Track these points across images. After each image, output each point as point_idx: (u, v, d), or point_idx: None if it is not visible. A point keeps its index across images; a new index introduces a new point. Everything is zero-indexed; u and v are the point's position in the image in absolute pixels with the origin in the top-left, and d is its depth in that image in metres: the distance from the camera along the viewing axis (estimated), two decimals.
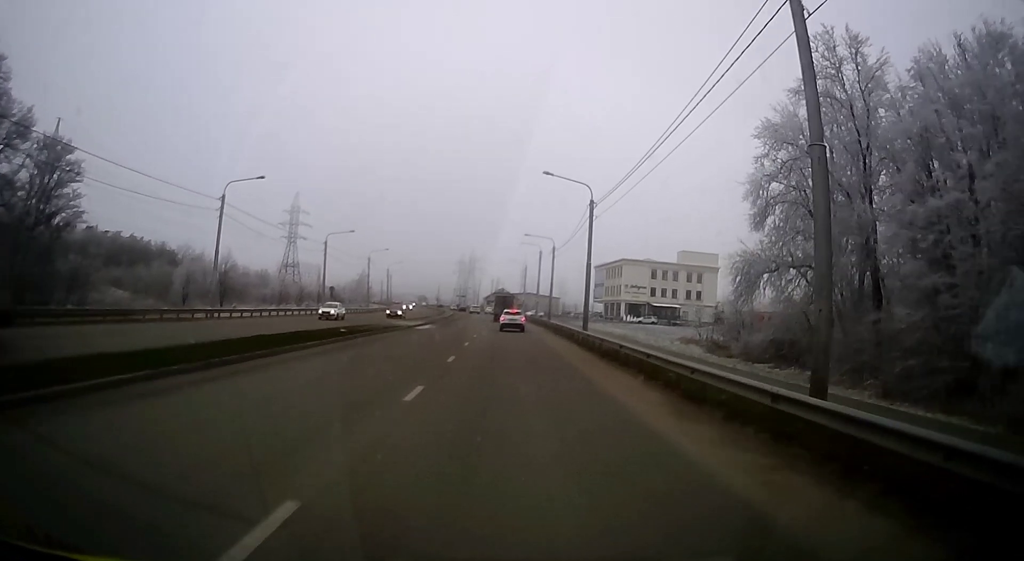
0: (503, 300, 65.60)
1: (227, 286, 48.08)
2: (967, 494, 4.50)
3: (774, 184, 28.27)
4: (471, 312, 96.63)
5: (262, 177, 38.27)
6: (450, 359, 17.42)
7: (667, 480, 5.80)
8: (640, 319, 79.54)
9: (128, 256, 48.75)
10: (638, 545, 4.07)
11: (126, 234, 51.08)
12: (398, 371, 14.02)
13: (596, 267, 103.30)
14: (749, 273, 26.50)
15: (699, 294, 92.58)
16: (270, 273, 67.30)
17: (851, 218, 23.53)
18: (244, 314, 38.63)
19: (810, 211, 28.12)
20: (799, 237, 27.91)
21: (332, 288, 65.63)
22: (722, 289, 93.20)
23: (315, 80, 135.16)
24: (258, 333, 17.46)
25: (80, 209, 35.27)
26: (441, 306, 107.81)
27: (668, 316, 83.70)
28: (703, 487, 5.67)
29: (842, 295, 25.33)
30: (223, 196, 35.11)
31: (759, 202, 27.99)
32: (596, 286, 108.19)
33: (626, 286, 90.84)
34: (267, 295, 59.56)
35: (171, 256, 46.82)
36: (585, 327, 29.61)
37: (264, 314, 43.51)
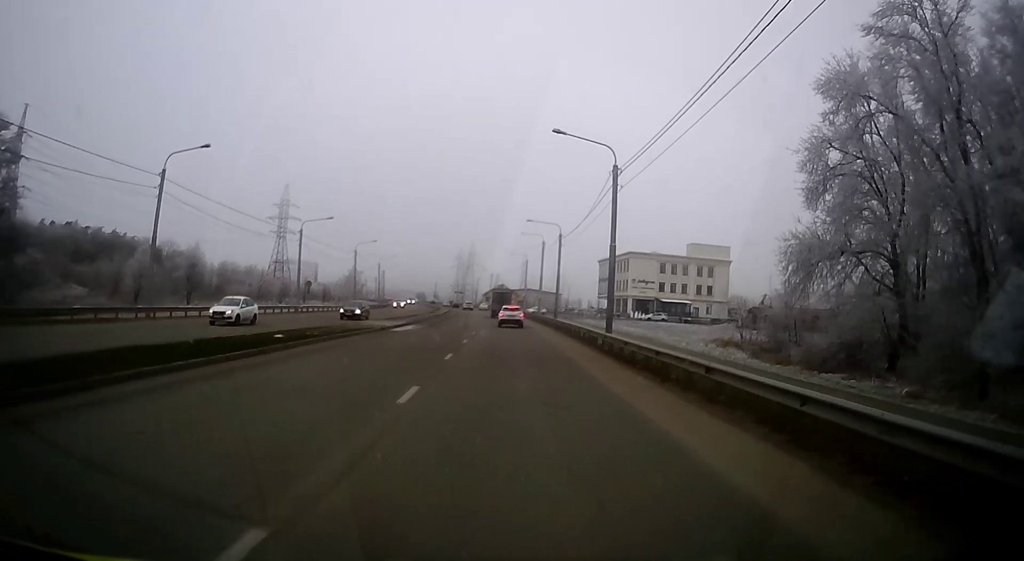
0: (500, 297, 63.79)
1: (197, 282, 43.06)
2: None
3: (833, 153, 23.36)
4: (464, 308, 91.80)
5: (206, 145, 33.20)
6: (402, 400, 9.24)
7: None
8: (649, 316, 74.45)
9: (93, 250, 44.16)
10: None
11: (107, 230, 46.76)
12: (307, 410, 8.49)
13: (600, 261, 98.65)
14: (807, 260, 21.47)
15: (710, 289, 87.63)
16: (259, 269, 62.68)
17: (942, 188, 18.53)
18: (202, 313, 33.48)
19: (875, 186, 23.51)
20: (861, 217, 23.11)
21: (309, 283, 60.81)
22: (735, 283, 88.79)
23: (314, 77, 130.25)
24: (161, 341, 12.59)
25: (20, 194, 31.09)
26: (434, 303, 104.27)
27: (678, 312, 78.78)
28: None
29: (927, 284, 20.42)
30: (163, 171, 29.98)
31: (816, 173, 23.02)
32: (600, 281, 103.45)
33: (633, 281, 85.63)
34: (249, 292, 54.60)
35: (131, 248, 41.63)
36: (609, 327, 22.73)
37: None
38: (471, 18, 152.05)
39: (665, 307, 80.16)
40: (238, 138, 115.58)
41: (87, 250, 43.83)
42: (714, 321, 73.90)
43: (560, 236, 46.49)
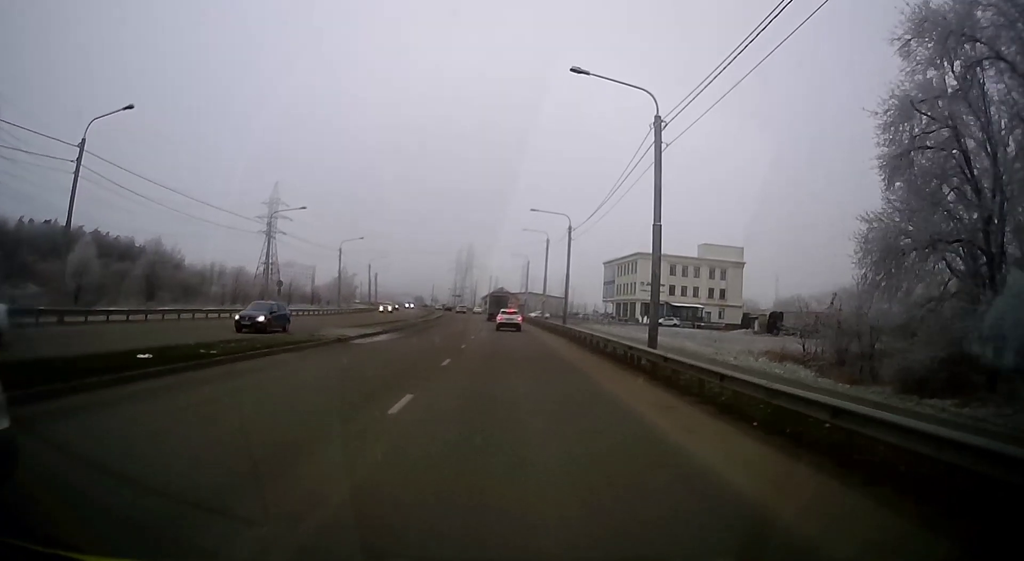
0: (498, 300, 63.46)
1: (159, 283, 38.37)
2: None
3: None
4: (458, 312, 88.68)
5: (130, 106, 27.56)
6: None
7: None
8: (660, 321, 69.58)
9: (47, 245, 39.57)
10: None
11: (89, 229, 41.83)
12: None
13: (606, 263, 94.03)
14: (894, 249, 16.75)
15: (723, 292, 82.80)
16: (248, 271, 57.93)
17: None
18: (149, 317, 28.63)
19: (967, 158, 18.86)
20: (947, 200, 18.44)
21: (280, 283, 56.00)
22: (749, 286, 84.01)
23: (313, 76, 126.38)
24: None
25: None
26: (427, 306, 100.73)
27: (689, 317, 73.89)
28: None
29: None
30: (82, 140, 25.09)
31: (897, 140, 18.33)
32: (605, 284, 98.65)
33: (641, 283, 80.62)
34: (223, 294, 50.05)
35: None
36: (653, 342, 16.73)
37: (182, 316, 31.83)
38: (470, 18, 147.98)
39: (675, 311, 75.15)
40: (230, 136, 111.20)
41: (43, 245, 39.17)
42: (728, 326, 69.19)
43: (569, 228, 40.94)
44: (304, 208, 59.51)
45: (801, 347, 19.02)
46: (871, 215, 17.55)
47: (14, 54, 61.90)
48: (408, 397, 9.00)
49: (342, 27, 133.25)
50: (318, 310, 56.21)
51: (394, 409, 8.24)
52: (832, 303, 18.96)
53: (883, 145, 19.13)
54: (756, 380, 9.16)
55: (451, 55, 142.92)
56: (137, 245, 41.35)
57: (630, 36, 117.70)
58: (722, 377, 10.09)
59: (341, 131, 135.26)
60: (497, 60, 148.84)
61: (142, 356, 10.57)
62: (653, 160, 14.42)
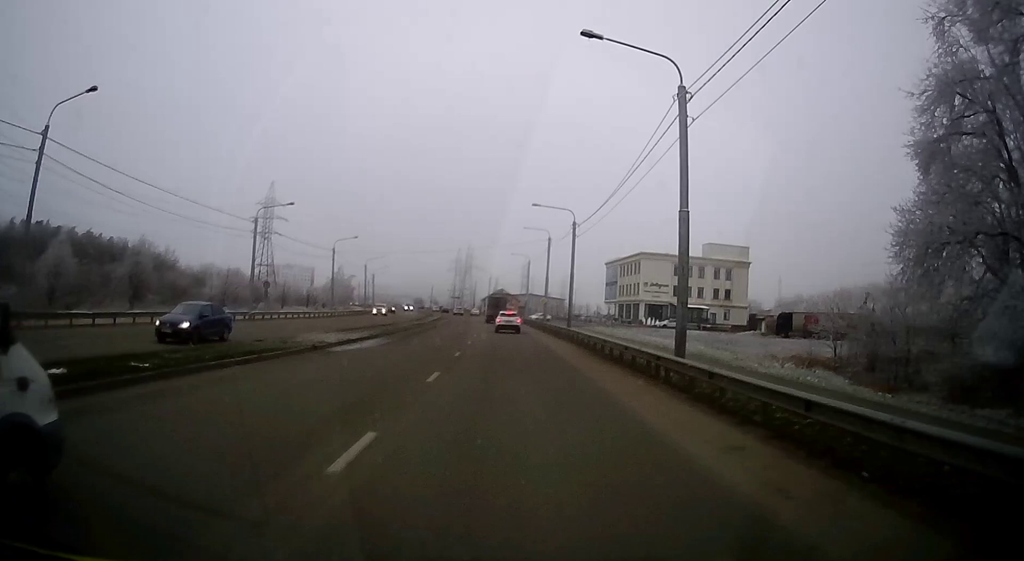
0: (496, 302, 63.48)
1: (145, 284, 36.77)
2: None
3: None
4: (455, 314, 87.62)
5: (94, 88, 25.04)
6: None
7: None
8: (665, 322, 67.75)
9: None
10: None
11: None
12: None
13: (607, 264, 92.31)
14: (935, 243, 15.16)
15: (728, 293, 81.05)
16: (243, 272, 56.20)
17: None
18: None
19: (1006, 144, 17.29)
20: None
21: (267, 283, 54.29)
22: (754, 287, 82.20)
23: (311, 76, 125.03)
24: None
25: None
26: (423, 308, 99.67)
27: (695, 318, 71.96)
28: None
29: None
30: (45, 128, 23.45)
31: (934, 125, 16.81)
32: (607, 285, 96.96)
33: (645, 284, 79.12)
34: (212, 295, 48.33)
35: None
36: (681, 350, 14.24)
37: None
38: (470, 17, 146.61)
39: None
40: (228, 137, 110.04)
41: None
42: (735, 327, 67.51)
43: (574, 224, 38.98)
44: (292, 204, 56.67)
45: (832, 351, 17.37)
46: (904, 206, 15.97)
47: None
48: (368, 439, 6.34)
49: (342, 26, 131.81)
50: (310, 313, 54.54)
51: (336, 466, 5.35)
52: (865, 303, 17.33)
53: (918, 130, 17.67)
54: (852, 408, 6.70)
55: (453, 46, 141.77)
56: (128, 246, 39.56)
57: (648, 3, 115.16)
58: (808, 405, 7.22)
59: (340, 131, 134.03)
60: (500, 51, 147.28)
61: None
62: (678, 136, 12.59)
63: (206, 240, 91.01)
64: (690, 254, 72.97)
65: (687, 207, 13.01)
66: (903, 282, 15.73)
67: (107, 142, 70.05)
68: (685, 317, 16.15)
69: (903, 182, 22.16)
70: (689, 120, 12.25)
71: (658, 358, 13.93)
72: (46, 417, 3.81)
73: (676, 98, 12.38)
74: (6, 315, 3.73)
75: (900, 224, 17.61)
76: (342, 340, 21.84)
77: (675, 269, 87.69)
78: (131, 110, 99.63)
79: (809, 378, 14.69)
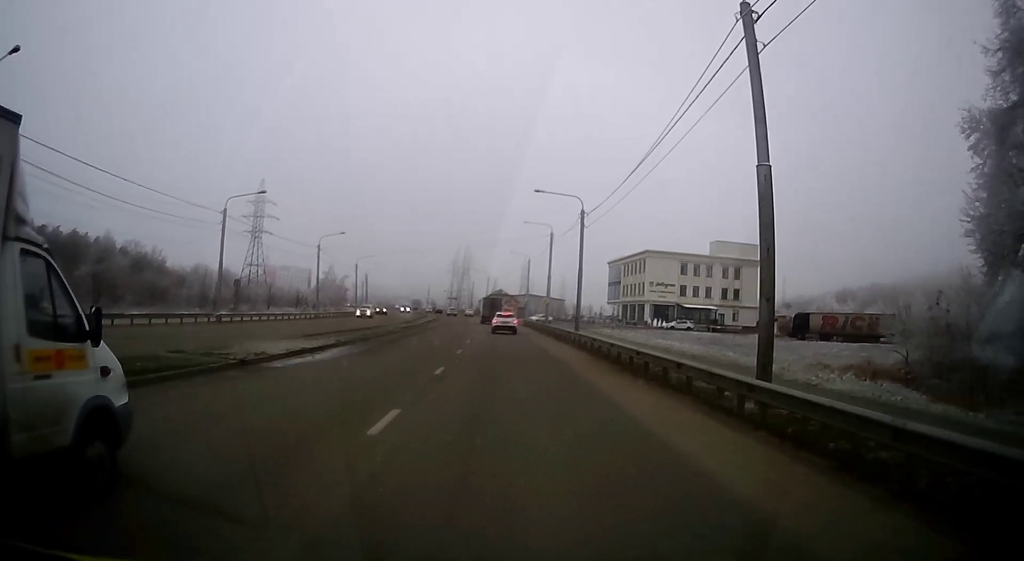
0: (492, 303, 63.46)
1: (109, 285, 33.66)
2: None
3: None
4: (449, 315, 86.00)
5: (16, 49, 20.92)
6: None
7: None
8: (672, 324, 64.50)
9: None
10: None
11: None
12: None
13: (611, 263, 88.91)
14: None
15: (737, 292, 77.68)
16: (234, 273, 53.08)
17: None
18: None
19: None
20: None
21: (238, 281, 51.20)
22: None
23: (309, 76, 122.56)
24: None
25: None
26: (418, 309, 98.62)
27: (703, 319, 68.85)
28: None
29: None
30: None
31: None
32: (610, 285, 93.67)
33: (651, 284, 75.77)
34: (191, 296, 45.40)
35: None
36: (765, 372, 10.00)
37: None
38: (469, 17, 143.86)
39: (687, 313, 70.12)
40: (228, 138, 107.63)
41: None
42: (745, 329, 64.29)
43: (582, 212, 34.08)
44: (264, 192, 52.05)
45: (904, 359, 14.15)
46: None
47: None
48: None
49: (341, 24, 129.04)
50: (294, 314, 51.28)
51: None
52: (937, 301, 14.17)
53: (993, 92, 14.72)
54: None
55: (453, 41, 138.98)
56: (90, 245, 36.45)
57: None
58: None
59: (340, 131, 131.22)
60: (500, 45, 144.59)
61: None
62: (747, 66, 9.08)
63: (205, 240, 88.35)
64: (698, 253, 66.57)
65: (767, 160, 9.33)
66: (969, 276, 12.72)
67: (107, 142, 67.06)
68: (772, 318, 11.67)
69: (903, 182, 19.35)
70: (759, 46, 8.88)
71: (737, 383, 9.27)
72: (120, 399, 4.70)
73: (739, 17, 9.06)
74: (99, 316, 4.46)
75: (976, 210, 14.71)
76: (293, 350, 16.88)
77: (682, 268, 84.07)
78: (131, 110, 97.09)
79: (893, 399, 11.46)
